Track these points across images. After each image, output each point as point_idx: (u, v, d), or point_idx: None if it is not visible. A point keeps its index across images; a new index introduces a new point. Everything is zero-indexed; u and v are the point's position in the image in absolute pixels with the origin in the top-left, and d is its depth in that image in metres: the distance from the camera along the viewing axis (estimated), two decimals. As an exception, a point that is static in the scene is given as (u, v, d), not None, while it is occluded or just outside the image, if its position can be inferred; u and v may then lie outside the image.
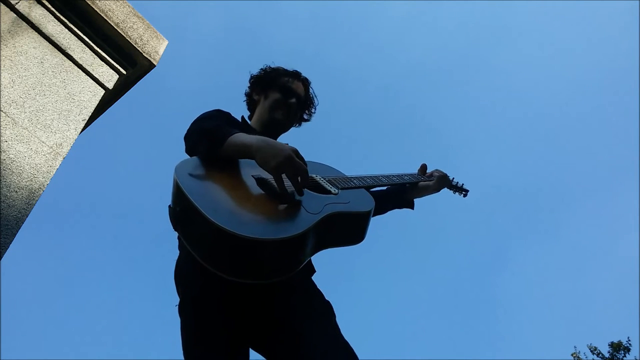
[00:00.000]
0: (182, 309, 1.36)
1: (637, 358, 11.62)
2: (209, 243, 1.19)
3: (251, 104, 1.89)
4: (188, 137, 1.50)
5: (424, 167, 2.03)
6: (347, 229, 1.43)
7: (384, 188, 1.93)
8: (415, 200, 1.99)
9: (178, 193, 1.24)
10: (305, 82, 1.90)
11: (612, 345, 11.91)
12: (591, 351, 11.98)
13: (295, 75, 1.88)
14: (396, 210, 1.94)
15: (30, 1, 1.90)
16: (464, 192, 2.21)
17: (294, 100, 1.80)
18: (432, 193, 2.00)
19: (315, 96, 1.94)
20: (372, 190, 1.75)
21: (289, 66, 1.91)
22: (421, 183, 1.96)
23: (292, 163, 1.26)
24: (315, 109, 1.95)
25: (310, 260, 1.49)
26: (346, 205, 1.40)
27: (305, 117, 1.93)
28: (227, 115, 1.68)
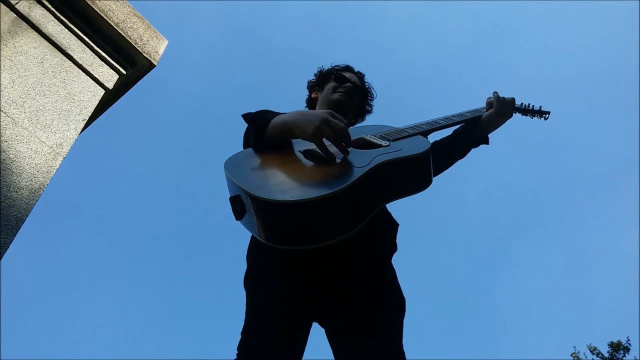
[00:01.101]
0: (249, 285, 1.39)
1: (637, 358, 11.63)
2: (261, 219, 1.20)
3: (311, 104, 1.92)
4: (244, 134, 1.55)
5: (495, 97, 1.77)
6: (406, 176, 1.38)
7: (452, 133, 1.80)
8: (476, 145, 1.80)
9: (229, 182, 1.28)
10: (359, 74, 1.94)
11: (611, 345, 11.90)
12: (591, 351, 11.98)
13: (347, 68, 1.93)
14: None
15: (30, 1, 1.90)
16: (544, 115, 1.85)
17: (349, 84, 1.83)
18: (501, 120, 1.76)
19: (373, 88, 1.95)
20: (440, 138, 1.72)
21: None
22: (484, 115, 1.75)
23: (329, 124, 1.25)
24: (373, 98, 1.95)
25: (391, 238, 1.48)
26: (398, 153, 1.36)
27: (367, 108, 1.94)
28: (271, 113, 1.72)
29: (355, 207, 1.22)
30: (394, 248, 1.51)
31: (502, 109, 1.74)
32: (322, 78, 1.91)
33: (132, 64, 2.17)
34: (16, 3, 1.85)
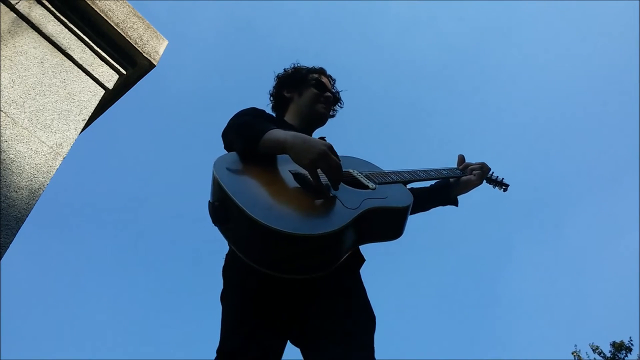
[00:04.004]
0: (224, 297, 1.41)
1: (639, 358, 11.61)
2: (246, 237, 1.20)
3: (281, 102, 1.90)
4: (225, 134, 1.52)
5: (461, 159, 2.01)
6: (385, 225, 1.42)
7: (426, 184, 1.92)
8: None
9: (217, 188, 1.25)
10: (332, 79, 1.95)
11: (613, 344, 11.89)
12: (593, 350, 11.97)
13: (322, 71, 1.93)
14: None
15: (30, 1, 1.90)
16: (504, 187, 2.13)
17: (329, 94, 1.85)
18: (474, 187, 1.97)
19: (339, 92, 1.97)
20: (413, 187, 1.76)
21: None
22: (463, 178, 1.94)
23: (326, 158, 1.26)
24: (340, 105, 1.97)
25: (358, 252, 1.50)
26: (384, 200, 1.39)
27: (332, 113, 1.95)
28: (262, 112, 1.70)
29: (339, 247, 1.25)
30: (359, 263, 1.52)
31: (482, 178, 1.97)
32: (299, 80, 1.88)
33: (132, 64, 2.17)
34: (16, 3, 1.85)
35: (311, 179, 1.30)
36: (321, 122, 1.85)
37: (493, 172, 2.10)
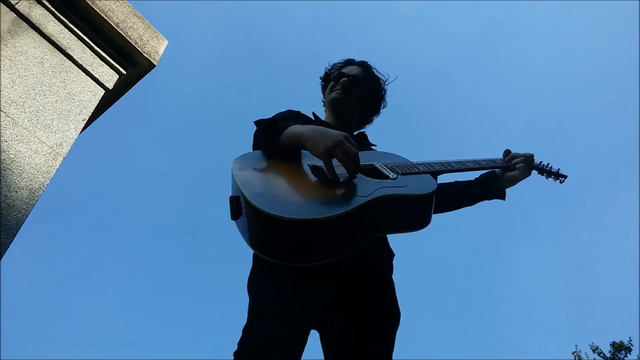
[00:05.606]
0: (253, 283, 1.38)
1: (639, 358, 11.61)
2: (251, 226, 1.21)
3: (324, 106, 1.93)
4: (254, 135, 1.54)
5: (506, 152, 1.88)
6: (406, 214, 1.39)
7: (474, 178, 1.84)
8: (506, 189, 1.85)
9: (233, 183, 1.29)
10: (362, 64, 1.90)
11: (613, 345, 11.89)
12: (593, 350, 11.97)
13: (348, 61, 1.92)
14: None
15: (30, 1, 1.90)
16: (560, 178, 1.95)
17: (344, 78, 1.82)
18: (522, 179, 1.81)
19: (380, 74, 1.91)
20: (458, 180, 1.74)
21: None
22: (508, 173, 1.81)
23: (342, 147, 1.26)
24: (382, 85, 1.90)
25: (385, 246, 1.49)
26: (402, 189, 1.36)
27: (376, 95, 1.87)
28: (296, 113, 1.71)
29: (347, 234, 1.23)
30: (390, 268, 1.51)
31: (529, 169, 1.82)
32: (326, 80, 1.91)
33: (132, 64, 2.17)
34: (16, 3, 1.85)
35: (326, 170, 1.29)
36: (341, 108, 1.80)
37: (545, 163, 1.95)
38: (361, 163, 1.35)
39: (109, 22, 2.06)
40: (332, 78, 1.86)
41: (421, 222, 1.42)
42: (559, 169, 1.96)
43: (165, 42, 2.26)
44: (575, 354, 12.00)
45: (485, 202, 1.85)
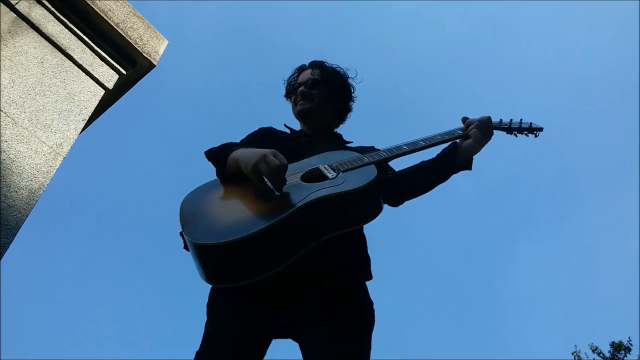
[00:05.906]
0: (208, 310, 1.43)
1: (638, 359, 11.61)
2: (194, 260, 1.29)
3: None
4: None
5: (463, 120, 1.74)
6: (351, 209, 1.37)
7: (432, 159, 1.71)
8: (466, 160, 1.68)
9: (179, 218, 1.35)
10: (312, 65, 1.88)
11: (613, 345, 11.89)
12: (592, 350, 11.97)
13: (299, 69, 1.91)
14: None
15: (30, 1, 1.90)
16: (535, 132, 1.72)
17: (302, 87, 1.82)
18: (479, 144, 1.66)
19: (335, 64, 1.89)
20: (426, 160, 1.69)
21: (291, 65, 1.99)
22: (464, 142, 1.66)
23: (266, 161, 1.30)
24: (339, 74, 1.88)
25: (350, 255, 1.45)
26: (337, 187, 1.35)
27: (333, 90, 1.84)
28: (266, 130, 1.77)
29: (282, 245, 1.26)
30: (354, 266, 1.48)
31: (486, 132, 1.68)
32: (288, 96, 1.91)
33: (132, 64, 2.17)
34: (16, 3, 1.85)
35: (255, 187, 1.34)
36: (310, 117, 1.80)
37: (510, 120, 1.75)
38: (312, 167, 1.44)
39: (109, 22, 2.06)
40: (291, 92, 1.87)
41: (370, 212, 1.41)
42: (531, 123, 1.73)
43: (165, 42, 2.26)
44: (575, 354, 12.00)
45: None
